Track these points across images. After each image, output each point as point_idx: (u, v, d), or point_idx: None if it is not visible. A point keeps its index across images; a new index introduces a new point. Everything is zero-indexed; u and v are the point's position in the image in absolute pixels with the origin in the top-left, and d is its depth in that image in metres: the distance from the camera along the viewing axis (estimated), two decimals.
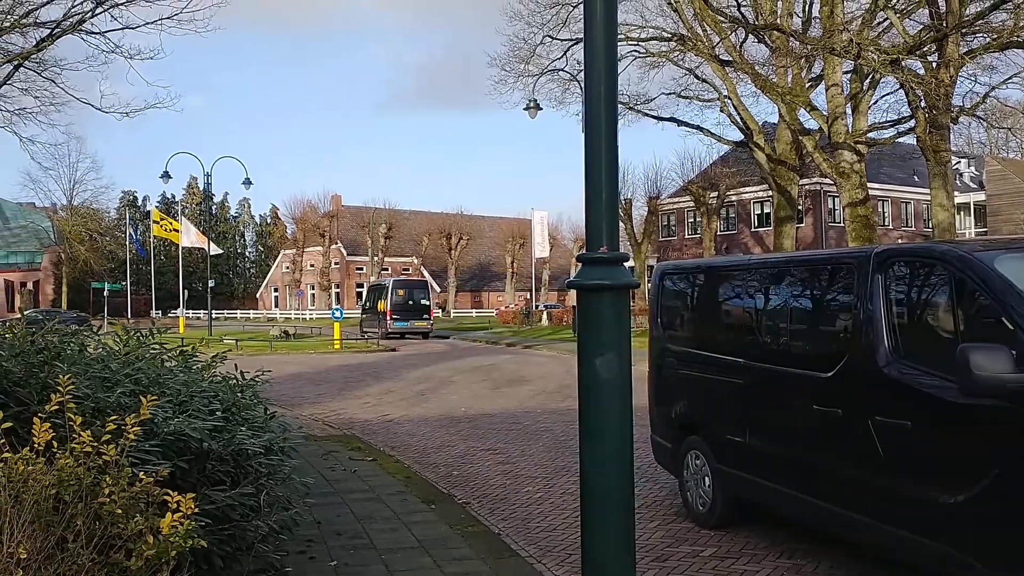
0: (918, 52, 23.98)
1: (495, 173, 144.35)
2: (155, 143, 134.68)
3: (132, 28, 23.23)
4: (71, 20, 23.20)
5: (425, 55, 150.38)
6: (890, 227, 55.36)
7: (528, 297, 66.09)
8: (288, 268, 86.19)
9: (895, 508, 5.13)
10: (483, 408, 15.45)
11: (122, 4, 22.68)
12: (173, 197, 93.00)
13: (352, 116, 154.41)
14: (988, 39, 23.45)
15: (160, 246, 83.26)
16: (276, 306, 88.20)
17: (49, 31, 23.63)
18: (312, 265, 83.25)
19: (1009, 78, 28.12)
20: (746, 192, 54.59)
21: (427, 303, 43.76)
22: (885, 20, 27.32)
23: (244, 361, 7.76)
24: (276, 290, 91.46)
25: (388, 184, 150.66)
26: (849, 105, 27.60)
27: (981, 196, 54.02)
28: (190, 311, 67.30)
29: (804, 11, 31.81)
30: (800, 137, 29.27)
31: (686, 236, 60.40)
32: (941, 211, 25.50)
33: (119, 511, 3.48)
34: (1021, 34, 21.47)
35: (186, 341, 6.82)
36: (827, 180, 36.59)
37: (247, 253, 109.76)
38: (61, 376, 3.93)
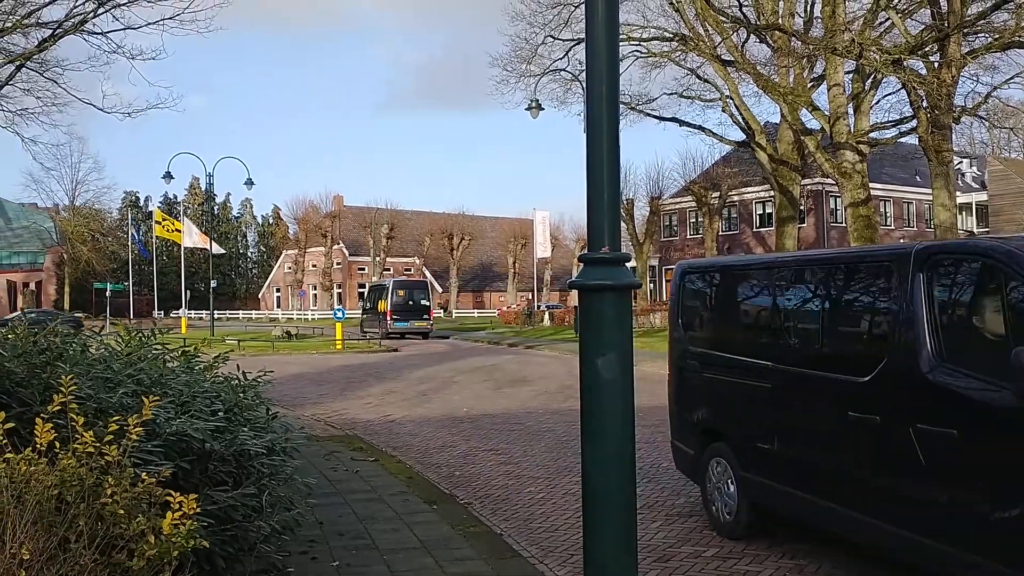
0: (920, 52, 23.97)
1: (497, 173, 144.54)
2: (157, 143, 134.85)
3: (134, 28, 23.28)
4: (73, 20, 23.24)
5: (426, 55, 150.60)
6: (892, 227, 55.33)
7: (530, 297, 66.06)
8: (290, 268, 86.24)
9: (940, 522, 4.81)
10: (485, 408, 15.46)
11: (124, 4, 22.72)
12: (175, 197, 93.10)
13: (353, 116, 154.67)
14: (990, 39, 23.46)
15: (162, 246, 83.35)
16: (278, 306, 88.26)
17: (51, 31, 23.67)
18: (314, 265, 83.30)
19: (1011, 78, 28.11)
20: (748, 192, 54.57)
21: (427, 303, 43.92)
22: (887, 20, 27.31)
23: (246, 361, 7.76)
24: (278, 290, 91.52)
25: (390, 184, 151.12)
26: (851, 105, 27.59)
27: (983, 196, 53.96)
28: (192, 311, 67.38)
29: (806, 11, 31.82)
30: (802, 137, 29.27)
31: (688, 236, 60.38)
32: (943, 211, 25.48)
33: (121, 511, 3.48)
34: (1022, 34, 21.45)
35: (188, 342, 6.82)
36: (829, 180, 36.59)
37: (249, 253, 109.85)
38: (63, 377, 3.93)
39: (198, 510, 3.62)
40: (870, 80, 28.07)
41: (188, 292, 59.51)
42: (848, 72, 27.81)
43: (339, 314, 36.92)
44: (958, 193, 36.28)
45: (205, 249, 56.17)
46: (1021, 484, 4.35)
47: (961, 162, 55.93)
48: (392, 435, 12.59)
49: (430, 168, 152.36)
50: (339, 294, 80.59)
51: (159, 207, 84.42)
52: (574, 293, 26.51)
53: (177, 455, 4.43)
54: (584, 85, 4.37)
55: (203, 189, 75.77)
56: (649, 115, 35.81)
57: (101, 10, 22.90)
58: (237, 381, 6.03)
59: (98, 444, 3.61)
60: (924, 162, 30.92)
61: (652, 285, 60.76)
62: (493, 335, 41.99)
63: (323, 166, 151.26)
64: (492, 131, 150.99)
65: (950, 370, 4.88)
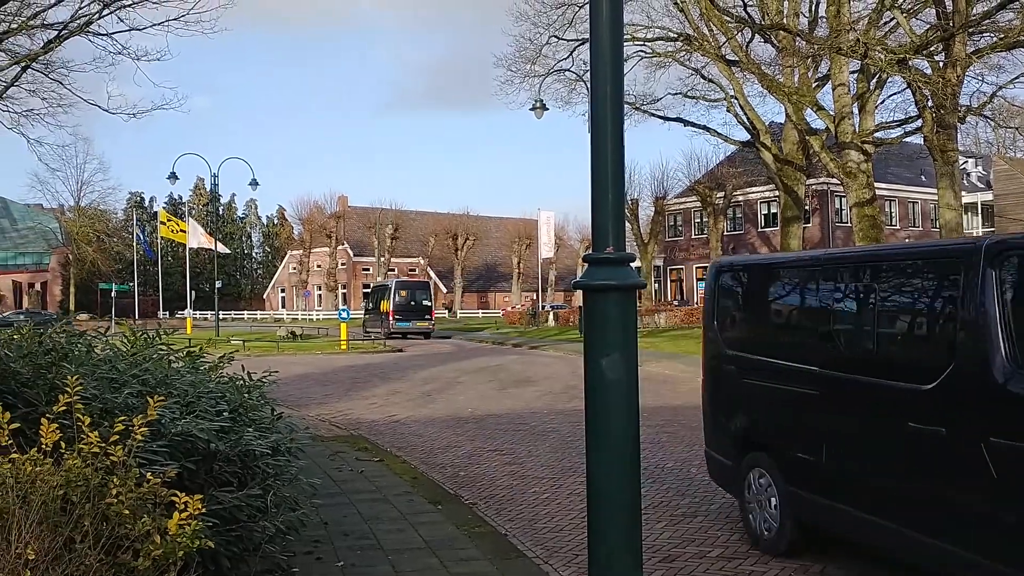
0: (925, 52, 23.92)
1: (501, 173, 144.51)
2: (162, 144, 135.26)
3: (139, 30, 23.24)
4: (78, 22, 23.24)
5: (429, 55, 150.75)
6: (897, 227, 55.23)
7: (534, 297, 66.05)
8: (295, 269, 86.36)
9: (1016, 546, 4.38)
10: (490, 409, 15.46)
11: (129, 6, 22.71)
12: (180, 198, 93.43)
13: (357, 117, 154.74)
14: (995, 38, 23.41)
15: (167, 247, 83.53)
16: (283, 307, 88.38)
17: (56, 32, 23.68)
18: (319, 266, 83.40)
19: (1016, 78, 28.05)
20: (753, 192, 54.52)
21: (429, 304, 44.17)
22: (892, 20, 27.27)
23: (251, 362, 7.78)
24: (283, 291, 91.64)
25: (394, 185, 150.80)
26: (856, 105, 27.57)
27: (988, 196, 53.86)
28: (197, 312, 67.52)
29: (810, 11, 31.79)
30: (807, 137, 29.23)
31: (692, 236, 60.34)
32: (948, 211, 25.43)
33: (126, 512, 3.49)
34: None
35: (193, 342, 6.84)
36: (834, 180, 36.54)
37: (254, 254, 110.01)
38: (69, 377, 3.94)
39: (203, 510, 3.63)
40: (875, 80, 28.04)
41: (193, 293, 59.72)
42: (853, 72, 27.78)
43: (344, 315, 37.00)
44: (963, 193, 36.22)
45: (210, 250, 56.32)
46: None
47: (966, 162, 55.88)
48: (397, 435, 12.59)
49: (434, 168, 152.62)
50: (344, 294, 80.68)
51: (164, 208, 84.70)
52: (578, 293, 26.50)
53: (182, 455, 4.44)
54: (588, 85, 4.36)
55: (208, 190, 75.97)
56: (653, 115, 35.86)
57: (106, 11, 22.89)
58: (242, 381, 6.04)
59: (103, 444, 3.61)
60: (929, 162, 30.90)
61: (656, 285, 60.72)
62: (497, 335, 42.01)
63: (327, 167, 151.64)
64: (496, 131, 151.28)
65: None
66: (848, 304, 6.00)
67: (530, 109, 32.87)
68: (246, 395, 5.86)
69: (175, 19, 22.84)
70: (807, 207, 45.47)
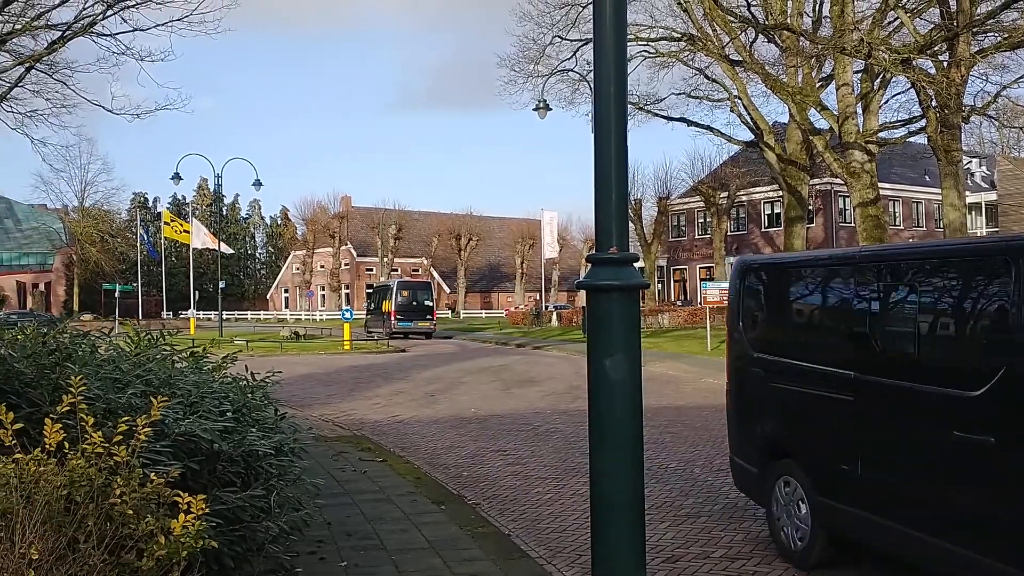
0: (929, 51, 23.91)
1: (504, 174, 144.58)
2: (166, 145, 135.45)
3: (143, 30, 23.32)
4: (82, 22, 23.28)
5: (431, 56, 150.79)
6: (901, 227, 55.18)
7: (538, 298, 66.03)
8: (298, 269, 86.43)
9: None
10: (493, 409, 15.45)
11: (133, 6, 22.76)
12: (184, 199, 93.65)
13: (361, 117, 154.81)
14: (999, 38, 23.38)
15: (171, 247, 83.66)
16: (286, 307, 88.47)
17: (60, 33, 23.72)
18: (322, 266, 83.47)
19: (1020, 77, 28.00)
20: (756, 192, 54.49)
21: (430, 304, 44.34)
22: (896, 19, 27.24)
23: (254, 362, 7.79)
24: (286, 291, 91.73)
25: (397, 185, 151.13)
26: (860, 105, 27.54)
27: (992, 196, 53.76)
28: (201, 312, 67.57)
29: (814, 11, 31.78)
30: (811, 137, 29.23)
31: (696, 236, 60.31)
32: (952, 211, 25.41)
33: (130, 512, 3.49)
34: None
35: (197, 342, 6.84)
36: (838, 180, 36.51)
37: (257, 254, 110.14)
38: (73, 377, 3.94)
39: (207, 510, 3.63)
40: (879, 80, 28.01)
41: (197, 293, 59.76)
42: (857, 72, 27.76)
43: (347, 315, 37.03)
44: (967, 193, 36.17)
45: (214, 250, 56.37)
46: None
47: (970, 162, 55.79)
48: (400, 435, 12.59)
49: (438, 168, 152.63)
50: (347, 295, 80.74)
51: (168, 208, 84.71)
52: (582, 293, 26.48)
53: (186, 455, 4.44)
54: (592, 85, 4.37)
55: (211, 190, 76.08)
56: (657, 115, 35.86)
57: (110, 12, 22.97)
58: (245, 382, 6.05)
59: (107, 444, 3.61)
60: (933, 162, 30.88)
61: (660, 285, 60.74)
62: (501, 335, 42.02)
63: (331, 167, 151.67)
64: (500, 131, 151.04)
65: None
66: (886, 304, 5.60)
67: (533, 109, 32.90)
68: (249, 395, 5.87)
69: (178, 20, 22.92)
70: (811, 207, 45.44)
